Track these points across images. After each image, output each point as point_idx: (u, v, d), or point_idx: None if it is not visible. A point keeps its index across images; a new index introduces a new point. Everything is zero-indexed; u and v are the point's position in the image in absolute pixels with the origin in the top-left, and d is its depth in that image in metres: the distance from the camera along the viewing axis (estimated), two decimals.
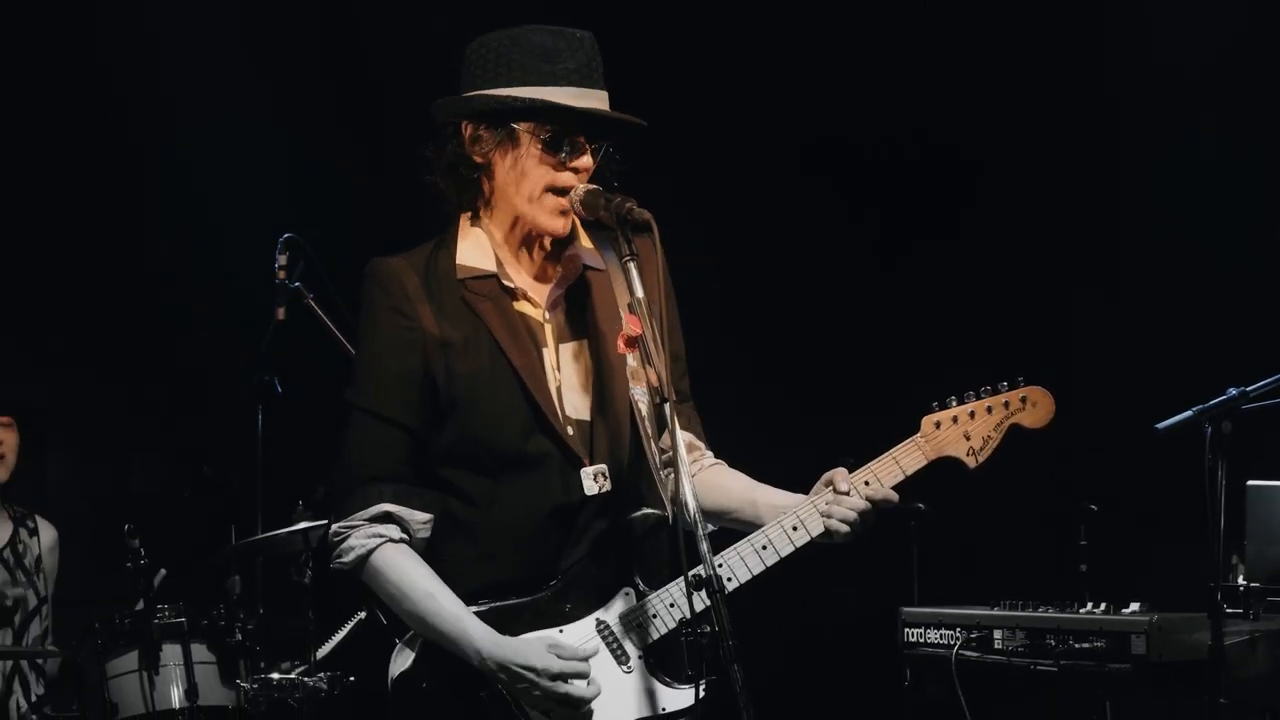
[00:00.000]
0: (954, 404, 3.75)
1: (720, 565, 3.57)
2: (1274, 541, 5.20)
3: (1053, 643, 5.19)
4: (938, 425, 3.74)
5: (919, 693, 5.68)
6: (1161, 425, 4.67)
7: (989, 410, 3.76)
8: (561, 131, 3.59)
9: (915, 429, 3.74)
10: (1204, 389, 4.68)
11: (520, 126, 3.60)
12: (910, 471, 3.71)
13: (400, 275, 3.67)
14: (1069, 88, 6.90)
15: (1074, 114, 6.92)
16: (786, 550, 3.64)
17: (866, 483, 3.66)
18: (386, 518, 3.63)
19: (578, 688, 3.54)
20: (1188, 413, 4.64)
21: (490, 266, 3.68)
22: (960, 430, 3.74)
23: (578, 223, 3.72)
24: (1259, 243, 6.48)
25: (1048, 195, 7.02)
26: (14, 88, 6.95)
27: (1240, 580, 5.17)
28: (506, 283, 3.69)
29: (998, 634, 5.37)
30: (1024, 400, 3.78)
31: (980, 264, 7.16)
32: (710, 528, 3.60)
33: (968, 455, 3.74)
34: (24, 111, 6.98)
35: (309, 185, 6.98)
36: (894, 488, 3.69)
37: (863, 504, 3.64)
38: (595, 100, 3.60)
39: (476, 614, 3.59)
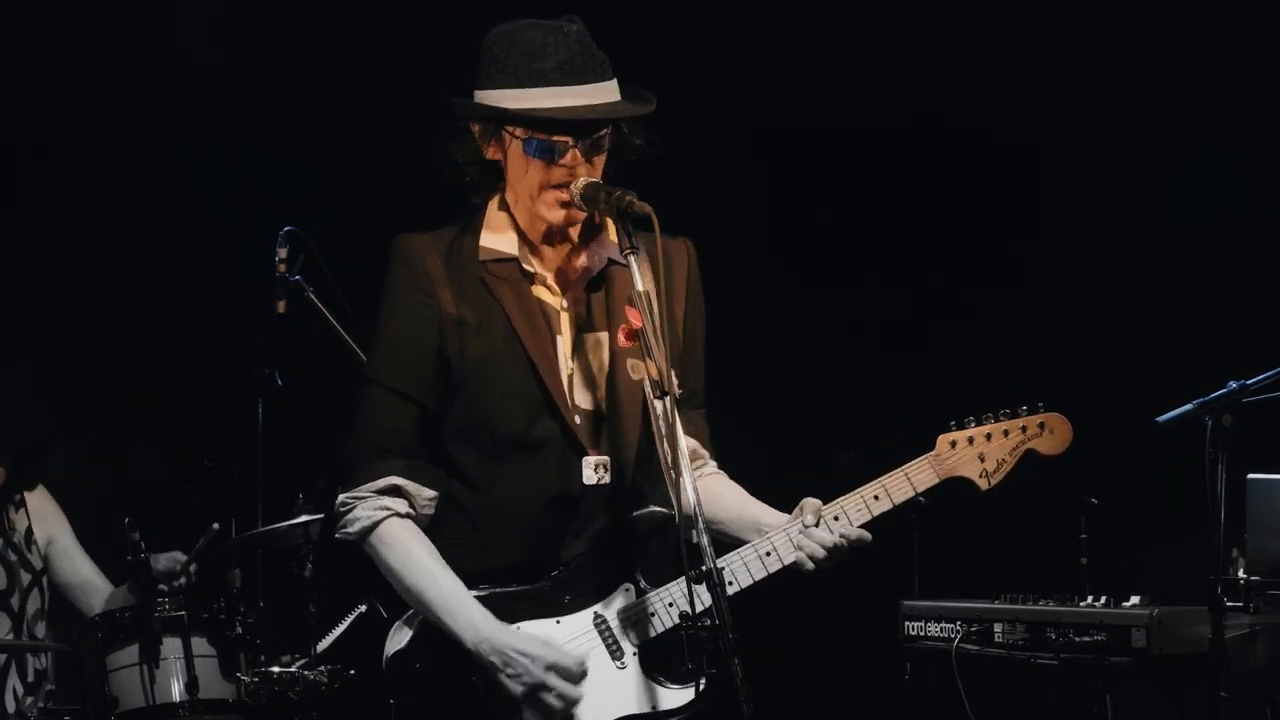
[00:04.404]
0: (972, 424, 3.76)
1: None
2: (1274, 535, 5.20)
3: (1053, 636, 5.20)
4: (953, 445, 3.75)
5: (920, 686, 5.68)
6: (1162, 418, 4.68)
7: (1005, 434, 3.77)
8: (541, 133, 3.62)
9: (931, 446, 3.74)
10: (1205, 382, 4.68)
11: (509, 130, 3.65)
12: (921, 489, 3.72)
13: (423, 252, 3.72)
14: (1073, 87, 6.90)
15: (1074, 110, 6.91)
16: (760, 574, 3.65)
17: (836, 518, 3.66)
18: (394, 491, 3.68)
19: (565, 685, 3.55)
20: (1188, 406, 4.64)
21: (512, 250, 3.73)
22: (975, 451, 3.75)
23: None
24: (1259, 235, 6.48)
25: (1047, 192, 7.01)
26: (15, 85, 6.95)
27: (1240, 573, 5.17)
28: (526, 267, 3.73)
29: (998, 627, 5.38)
30: (1042, 426, 3.79)
31: (979, 257, 7.16)
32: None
33: (980, 477, 3.76)
34: (26, 108, 6.97)
35: (309, 178, 6.98)
36: (905, 504, 3.69)
37: (831, 539, 3.63)
38: (575, 97, 3.60)
39: (476, 598, 3.62)
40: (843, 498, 3.69)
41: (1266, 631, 4.92)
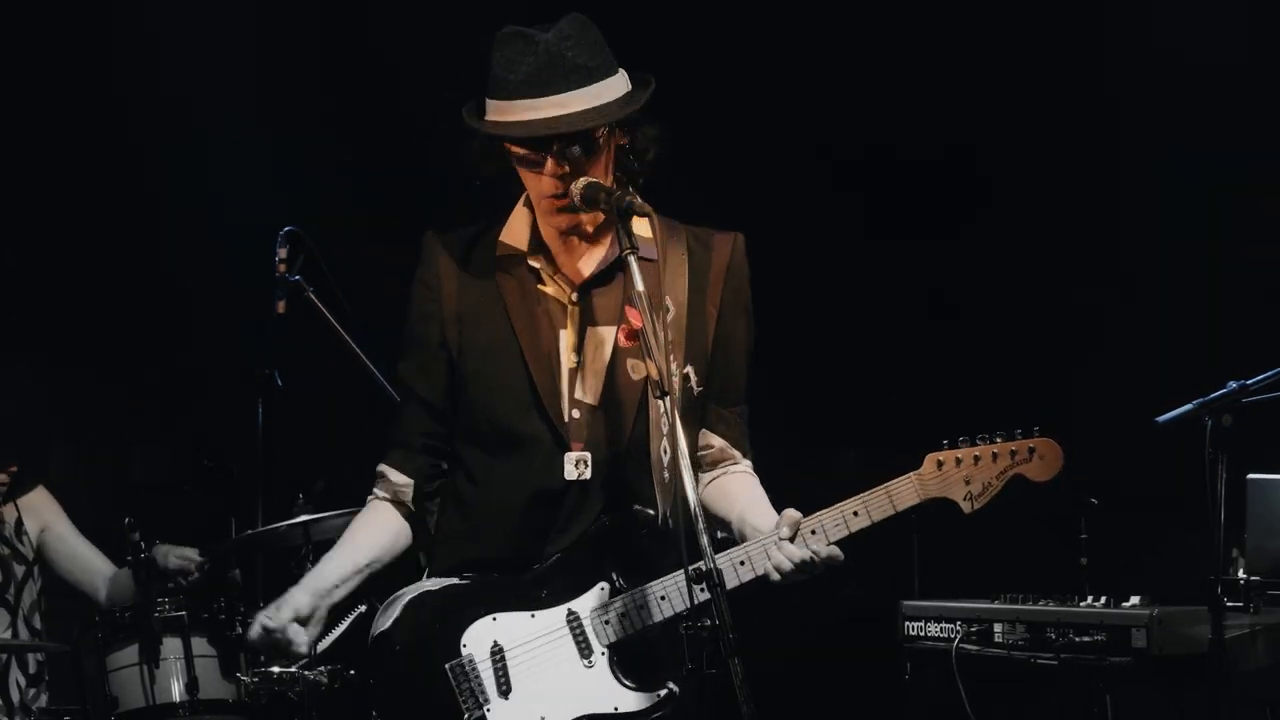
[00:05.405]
0: (963, 445, 3.69)
1: (663, 597, 3.63)
2: (1274, 535, 5.20)
3: (1053, 636, 5.19)
4: (940, 465, 3.69)
5: (920, 686, 5.68)
6: (1162, 419, 4.67)
7: (994, 457, 3.70)
8: (515, 146, 3.66)
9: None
10: (1205, 382, 4.68)
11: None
12: (901, 508, 3.66)
13: (438, 249, 3.83)
14: (1069, 91, 6.91)
15: (1073, 115, 6.92)
16: (733, 583, 3.60)
17: (813, 531, 3.62)
18: (379, 476, 3.88)
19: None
20: (1188, 406, 4.64)
21: (523, 246, 3.79)
22: (962, 474, 3.69)
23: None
24: (1259, 235, 6.48)
25: (1049, 192, 7.02)
26: (15, 85, 6.95)
27: (1240, 574, 5.17)
28: (533, 263, 3.77)
29: (998, 627, 5.37)
30: (1031, 451, 3.71)
31: (980, 258, 7.16)
32: (721, 533, 3.72)
33: (965, 500, 3.68)
34: (25, 109, 6.97)
35: (310, 178, 6.99)
36: (885, 521, 3.65)
37: (801, 554, 3.59)
38: (539, 109, 3.61)
39: (459, 584, 3.74)
40: (822, 512, 3.65)
41: (1266, 631, 4.92)
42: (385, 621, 3.75)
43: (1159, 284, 6.74)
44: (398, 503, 3.86)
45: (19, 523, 6.00)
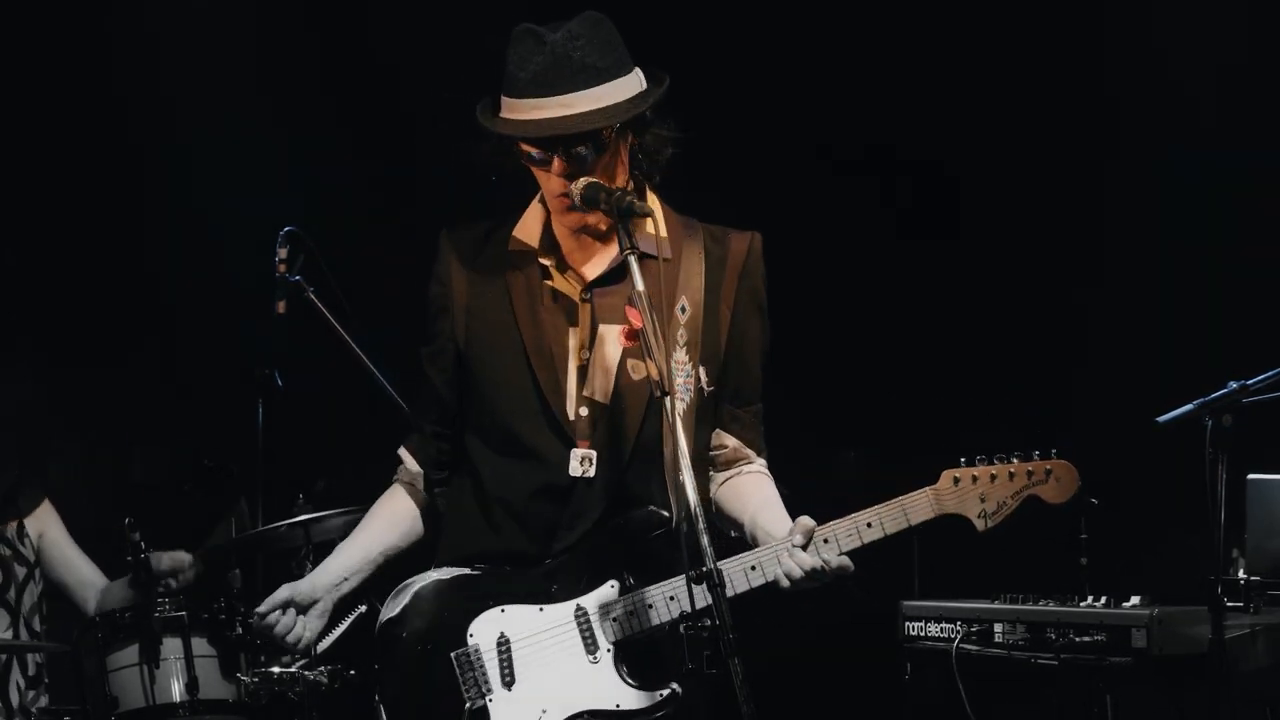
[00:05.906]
0: (980, 463, 3.70)
1: (672, 598, 3.64)
2: (1274, 535, 5.20)
3: (1053, 636, 5.19)
4: (956, 481, 3.69)
5: (920, 686, 5.68)
6: (1162, 419, 4.67)
7: (1010, 476, 3.71)
8: (522, 144, 3.69)
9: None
10: (1205, 382, 4.68)
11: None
12: (916, 523, 3.67)
13: (451, 244, 3.89)
14: (1064, 88, 6.90)
15: (1071, 114, 6.92)
16: (742, 588, 3.62)
17: (826, 540, 3.63)
18: (398, 460, 3.96)
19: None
20: (1188, 406, 4.64)
21: (534, 242, 3.81)
22: (977, 491, 3.69)
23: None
24: (1259, 235, 6.47)
25: (1048, 193, 7.01)
26: (15, 86, 6.95)
27: (1240, 574, 5.17)
28: (544, 260, 3.80)
29: (998, 628, 5.37)
30: (1048, 473, 3.72)
31: (981, 261, 7.16)
32: (733, 533, 3.74)
33: (979, 518, 3.70)
34: (24, 109, 6.97)
35: (310, 178, 6.98)
36: (899, 534, 3.66)
37: (812, 562, 3.61)
38: (545, 109, 3.62)
39: (469, 574, 3.77)
40: (836, 521, 3.66)
41: (1267, 632, 4.92)
42: (393, 609, 3.79)
43: (1159, 284, 6.73)
44: (413, 488, 3.94)
45: (20, 525, 6.01)
